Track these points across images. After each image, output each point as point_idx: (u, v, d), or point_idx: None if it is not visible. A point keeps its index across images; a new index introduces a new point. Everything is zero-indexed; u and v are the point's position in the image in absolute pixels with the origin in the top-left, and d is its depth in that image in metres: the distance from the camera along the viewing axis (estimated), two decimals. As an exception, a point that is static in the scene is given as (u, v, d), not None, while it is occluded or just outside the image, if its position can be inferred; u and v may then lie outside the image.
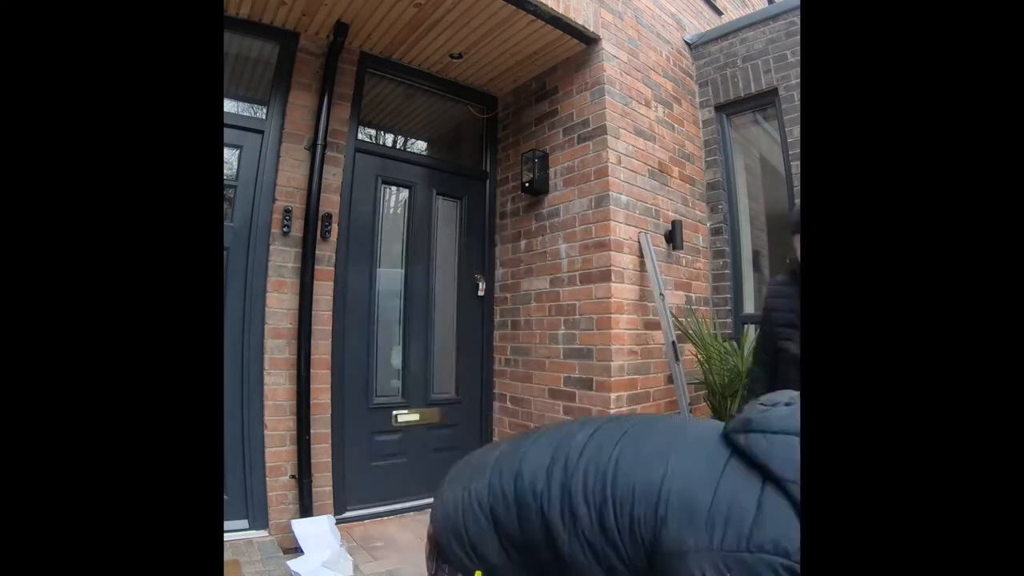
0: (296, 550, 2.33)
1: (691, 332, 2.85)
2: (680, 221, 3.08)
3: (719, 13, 4.05)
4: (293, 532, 2.36)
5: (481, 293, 3.36)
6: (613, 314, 2.67)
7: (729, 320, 3.29)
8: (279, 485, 2.48)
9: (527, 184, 3.05)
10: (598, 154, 2.80)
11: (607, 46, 2.87)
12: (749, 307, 3.34)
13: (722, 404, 2.72)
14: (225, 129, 2.46)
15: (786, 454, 0.80)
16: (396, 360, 3.06)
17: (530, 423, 3.05)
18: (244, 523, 2.43)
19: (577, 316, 2.82)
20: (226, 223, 2.51)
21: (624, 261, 2.75)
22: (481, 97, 3.45)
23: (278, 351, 2.53)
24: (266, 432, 2.48)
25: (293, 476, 2.50)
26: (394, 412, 2.98)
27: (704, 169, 3.45)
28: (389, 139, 3.37)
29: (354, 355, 2.84)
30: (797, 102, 2.95)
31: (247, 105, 2.74)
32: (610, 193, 2.73)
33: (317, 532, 2.36)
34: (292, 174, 2.63)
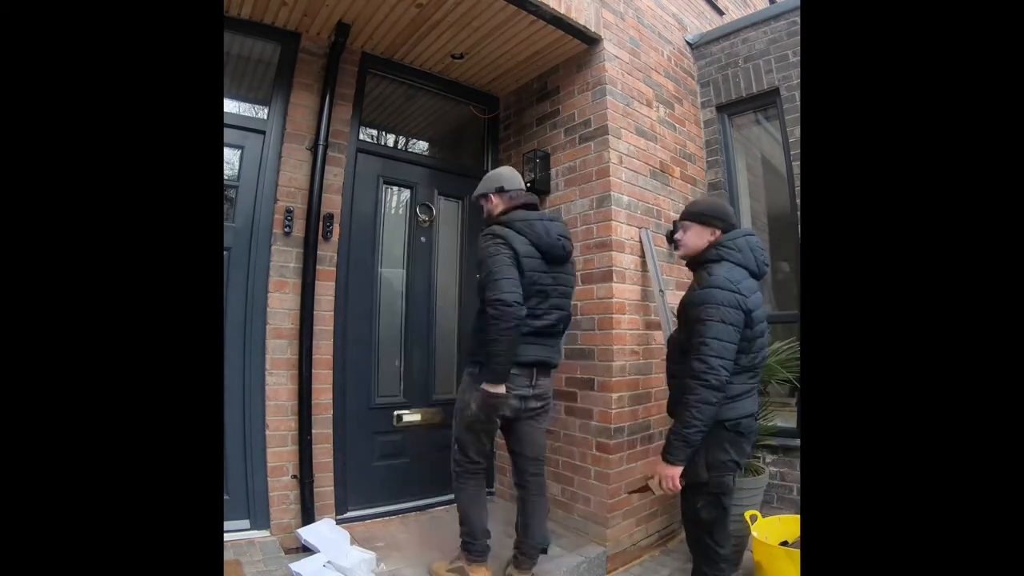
0: (297, 550, 2.34)
1: (693, 332, 2.84)
2: (682, 221, 3.07)
3: (721, 13, 4.04)
4: (304, 538, 2.35)
5: (482, 293, 3.35)
6: (615, 314, 2.67)
7: (731, 320, 3.28)
8: (281, 485, 2.48)
9: (529, 184, 3.05)
10: (599, 154, 2.80)
11: (608, 46, 2.87)
12: (751, 307, 3.34)
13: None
14: (226, 130, 2.46)
15: None
16: (398, 360, 3.06)
17: (531, 423, 3.04)
18: (246, 523, 2.43)
19: (579, 316, 2.82)
20: (228, 223, 2.51)
21: (625, 261, 2.75)
22: (482, 97, 3.45)
23: (280, 351, 2.53)
24: (268, 432, 2.48)
25: (295, 476, 2.50)
26: (396, 412, 2.98)
27: (706, 169, 3.45)
28: (391, 139, 3.38)
29: (356, 355, 2.84)
30: (799, 102, 2.94)
31: (248, 106, 2.74)
32: (611, 193, 2.73)
33: (329, 536, 2.35)
34: (294, 174, 2.63)
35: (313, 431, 2.54)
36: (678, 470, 1.77)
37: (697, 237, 1.92)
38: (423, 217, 3.12)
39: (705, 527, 1.87)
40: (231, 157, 2.58)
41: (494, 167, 3.47)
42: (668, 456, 1.76)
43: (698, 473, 1.80)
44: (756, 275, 1.87)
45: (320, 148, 2.63)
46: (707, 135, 3.47)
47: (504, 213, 2.10)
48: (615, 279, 2.68)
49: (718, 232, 1.90)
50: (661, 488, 1.80)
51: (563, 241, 2.06)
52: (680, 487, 1.79)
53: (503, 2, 2.52)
